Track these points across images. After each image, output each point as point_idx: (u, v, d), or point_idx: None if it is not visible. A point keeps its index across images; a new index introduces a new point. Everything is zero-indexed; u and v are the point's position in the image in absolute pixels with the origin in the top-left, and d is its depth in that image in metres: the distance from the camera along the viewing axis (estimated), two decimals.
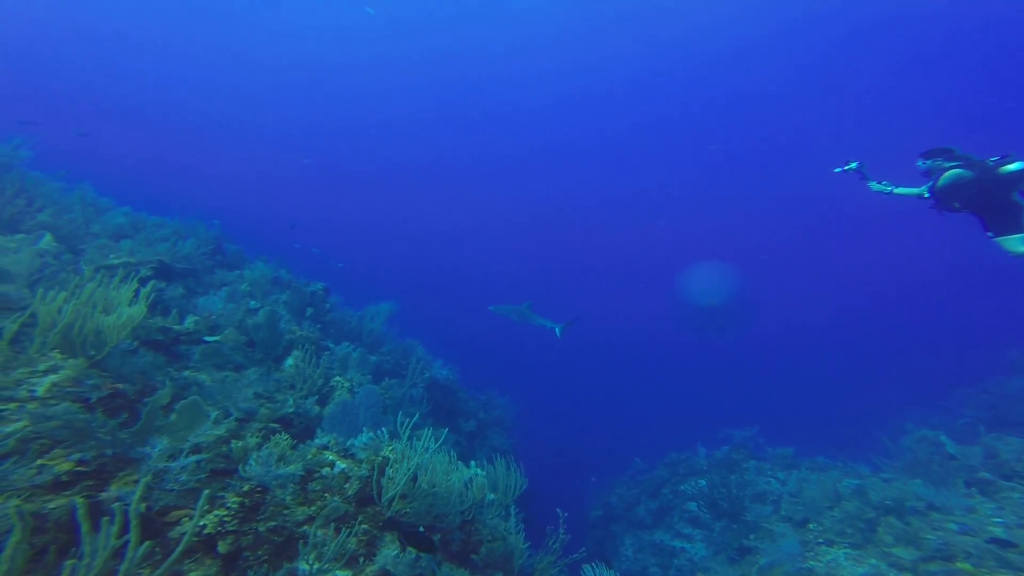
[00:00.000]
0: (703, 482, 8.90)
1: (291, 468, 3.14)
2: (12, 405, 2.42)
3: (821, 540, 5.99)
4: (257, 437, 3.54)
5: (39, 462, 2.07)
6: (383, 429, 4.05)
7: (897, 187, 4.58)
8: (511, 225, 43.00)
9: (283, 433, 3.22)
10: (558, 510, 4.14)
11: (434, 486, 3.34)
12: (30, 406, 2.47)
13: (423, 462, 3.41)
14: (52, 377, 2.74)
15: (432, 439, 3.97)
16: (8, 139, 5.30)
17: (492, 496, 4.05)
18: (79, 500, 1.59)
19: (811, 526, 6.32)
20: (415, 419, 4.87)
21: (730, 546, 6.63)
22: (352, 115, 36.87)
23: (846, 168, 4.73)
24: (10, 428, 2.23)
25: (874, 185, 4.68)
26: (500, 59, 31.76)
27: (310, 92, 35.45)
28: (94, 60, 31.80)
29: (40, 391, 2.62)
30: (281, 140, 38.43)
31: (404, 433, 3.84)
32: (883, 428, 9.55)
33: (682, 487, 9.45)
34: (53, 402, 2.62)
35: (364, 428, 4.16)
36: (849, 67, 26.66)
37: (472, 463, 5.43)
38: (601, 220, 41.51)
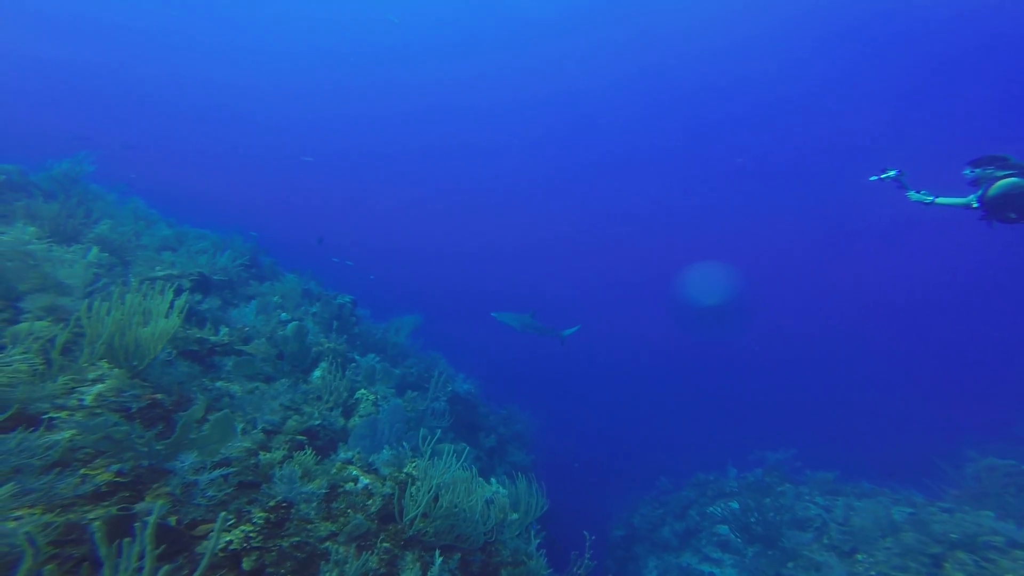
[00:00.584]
0: (734, 504, 8.51)
1: (315, 484, 3.18)
2: (63, 413, 2.54)
3: (874, 573, 5.55)
4: (284, 449, 3.60)
5: (83, 471, 2.15)
6: (405, 444, 4.06)
7: (939, 197, 4.33)
8: (530, 238, 43.30)
9: (308, 448, 3.25)
10: (585, 532, 4.01)
11: (456, 506, 3.30)
12: (78, 415, 2.59)
13: (445, 481, 3.38)
14: (99, 387, 2.87)
15: (454, 457, 3.94)
16: (74, 154, 5.73)
17: (515, 516, 3.96)
18: (96, 523, 1.63)
19: (860, 557, 5.87)
20: (437, 435, 4.85)
21: (765, 574, 6.26)
22: (384, 139, 38.63)
23: (883, 176, 4.51)
24: (59, 437, 2.34)
25: (913, 195, 4.44)
26: (518, 84, 33.07)
27: (348, 118, 37.43)
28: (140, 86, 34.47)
29: (88, 400, 2.75)
30: (320, 161, 40.40)
31: (426, 451, 3.83)
32: (934, 452, 8.89)
33: (710, 509, 9.06)
34: (99, 411, 2.74)
35: (388, 443, 4.18)
36: (855, 72, 26.37)
37: (493, 480, 5.36)
38: (615, 227, 41.51)
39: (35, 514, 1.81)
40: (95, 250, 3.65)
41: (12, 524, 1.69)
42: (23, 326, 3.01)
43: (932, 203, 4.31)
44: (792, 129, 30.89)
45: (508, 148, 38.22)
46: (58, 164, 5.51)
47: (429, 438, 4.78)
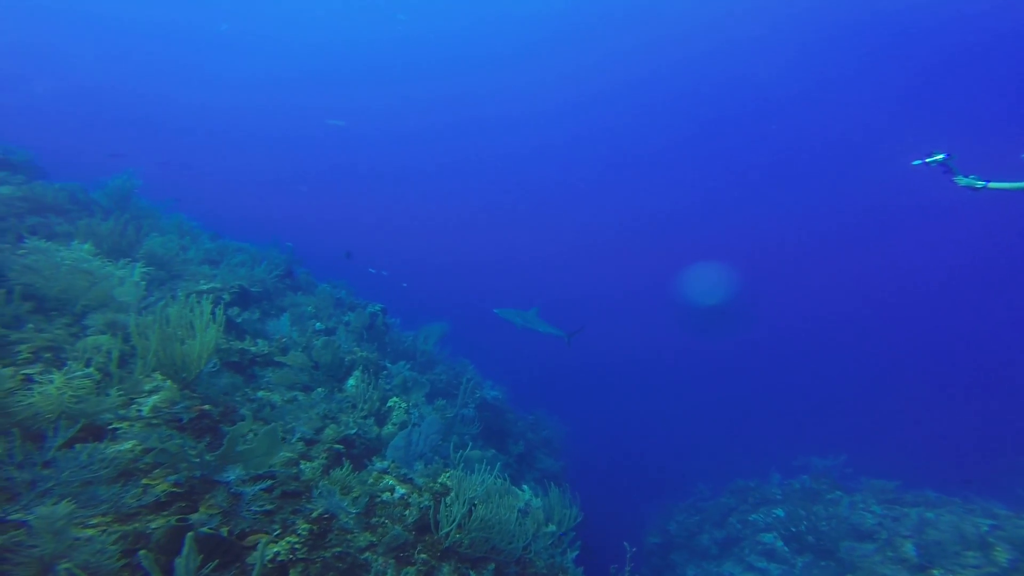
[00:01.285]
0: (779, 512, 8.19)
1: (355, 493, 3.25)
2: (124, 424, 2.69)
3: None
4: (324, 458, 3.70)
5: (144, 481, 2.26)
6: (438, 459, 4.10)
7: (991, 182, 4.06)
8: (546, 243, 43.56)
9: (346, 461, 3.33)
10: (625, 544, 3.93)
11: (490, 519, 3.30)
12: (137, 426, 2.73)
13: (479, 494, 3.39)
14: (154, 398, 3.03)
15: (487, 468, 3.95)
16: (123, 172, 6.09)
17: (551, 528, 3.94)
18: (143, 552, 1.70)
19: (936, 573, 5.47)
20: (469, 447, 4.86)
21: None
22: (409, 152, 39.84)
23: (929, 160, 4.27)
24: (124, 447, 2.47)
25: (962, 180, 4.18)
26: (528, 95, 33.99)
27: (377, 135, 38.88)
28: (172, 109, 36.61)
29: (145, 411, 2.90)
30: (359, 179, 41.98)
31: (459, 462, 3.86)
32: (998, 458, 8.23)
33: (753, 516, 8.75)
34: (156, 422, 2.89)
35: (423, 454, 4.24)
36: (854, 71, 26.55)
37: (525, 488, 5.33)
38: (631, 230, 41.48)
39: (106, 523, 1.91)
40: (139, 268, 3.85)
41: (91, 532, 1.79)
42: (88, 340, 3.21)
43: (984, 188, 4.05)
44: (792, 129, 30.88)
45: (521, 158, 39.06)
46: (112, 181, 5.87)
47: (461, 450, 4.80)
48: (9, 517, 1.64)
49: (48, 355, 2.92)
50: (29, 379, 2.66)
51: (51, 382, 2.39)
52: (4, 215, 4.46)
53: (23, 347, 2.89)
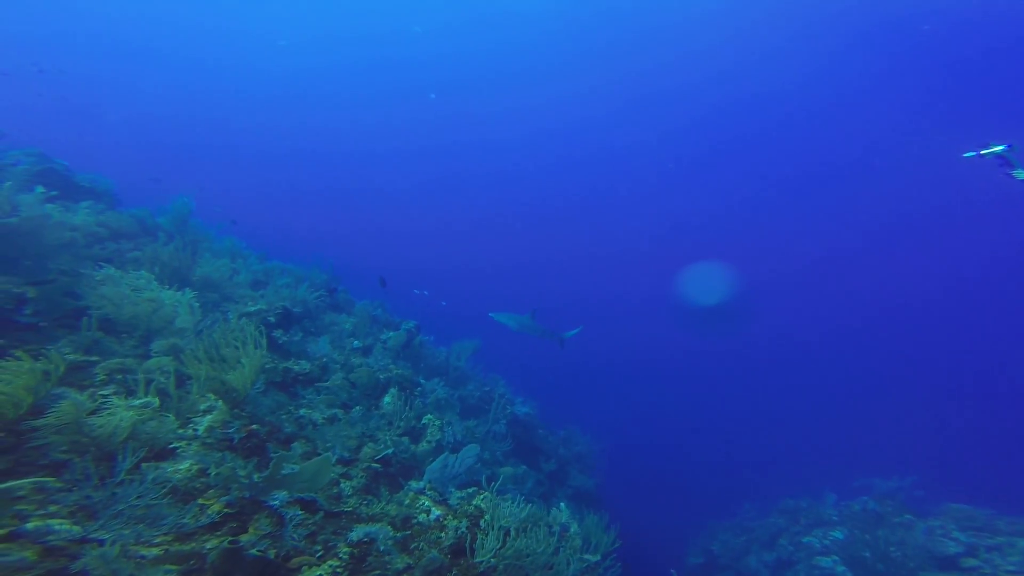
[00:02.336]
0: (837, 534, 7.70)
1: (392, 509, 3.32)
2: (183, 444, 2.87)
3: None
4: (362, 478, 3.80)
5: (200, 501, 2.40)
6: (481, 480, 4.12)
7: None
8: (565, 252, 43.75)
9: (383, 489, 3.39)
10: (672, 572, 3.79)
11: (525, 550, 3.27)
12: (194, 446, 2.91)
13: (514, 523, 3.37)
14: (208, 418, 3.22)
15: (520, 497, 3.93)
16: (183, 195, 6.58)
17: (590, 557, 3.85)
18: None
19: None
20: (500, 466, 4.85)
21: None
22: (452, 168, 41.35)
23: (985, 153, 3.96)
24: (182, 466, 2.64)
25: (1020, 173, 3.86)
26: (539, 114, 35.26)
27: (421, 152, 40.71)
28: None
29: (200, 431, 3.09)
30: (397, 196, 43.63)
31: (491, 484, 3.86)
32: None
33: (807, 539, 8.25)
34: (209, 441, 3.07)
35: (458, 475, 4.28)
36: (854, 68, 26.56)
37: (563, 507, 5.22)
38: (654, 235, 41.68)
39: (168, 542, 2.04)
40: (190, 295, 4.12)
41: (156, 551, 1.92)
42: (151, 362, 3.46)
43: None
44: (794, 133, 31.21)
45: (524, 159, 40.42)
46: (171, 206, 6.36)
47: (493, 466, 4.79)
48: (91, 535, 1.78)
49: (119, 376, 3.17)
50: (104, 400, 2.90)
51: (122, 407, 2.59)
52: (86, 243, 4.91)
53: (99, 369, 3.16)
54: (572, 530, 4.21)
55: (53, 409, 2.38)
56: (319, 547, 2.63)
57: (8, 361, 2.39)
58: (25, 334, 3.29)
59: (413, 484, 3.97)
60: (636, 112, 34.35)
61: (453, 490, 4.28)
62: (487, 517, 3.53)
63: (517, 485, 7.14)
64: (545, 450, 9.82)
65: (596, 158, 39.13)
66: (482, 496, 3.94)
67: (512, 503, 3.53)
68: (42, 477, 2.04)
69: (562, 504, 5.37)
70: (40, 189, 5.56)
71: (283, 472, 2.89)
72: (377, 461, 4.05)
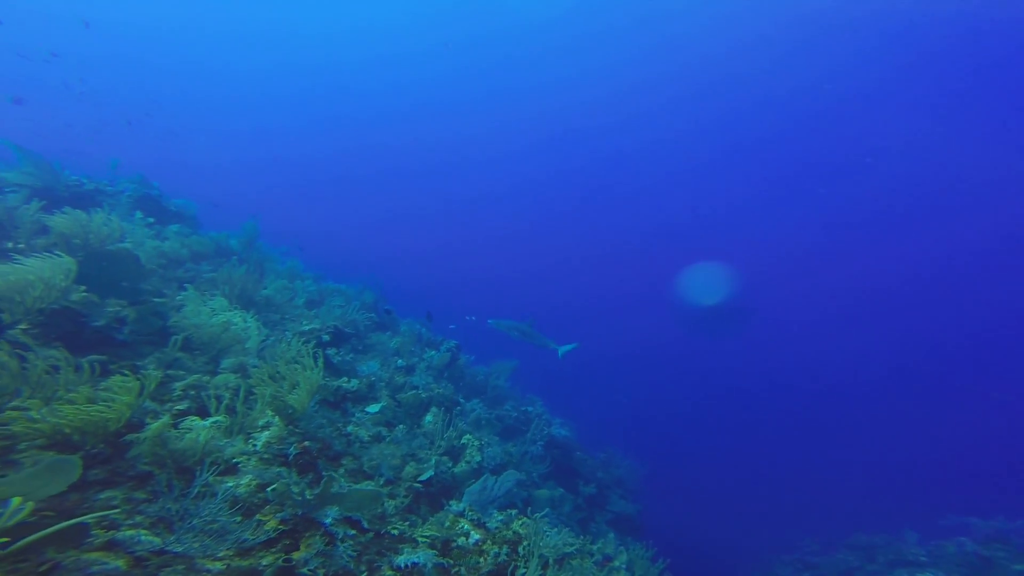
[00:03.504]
0: None
1: (431, 530, 3.40)
2: (243, 459, 3.13)
3: None
4: (404, 497, 3.93)
5: (258, 517, 2.60)
6: (518, 503, 4.14)
7: None
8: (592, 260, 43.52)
9: (424, 508, 3.48)
10: None
11: None
12: (253, 461, 3.16)
13: (553, 554, 3.34)
14: (266, 434, 3.48)
15: (558, 521, 3.89)
16: (251, 218, 7.23)
17: None
18: None
19: None
20: (537, 488, 4.82)
21: None
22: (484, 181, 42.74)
23: None
24: (243, 481, 2.87)
25: None
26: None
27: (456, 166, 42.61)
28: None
29: (259, 446, 3.35)
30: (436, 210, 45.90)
31: (535, 516, 3.85)
32: None
33: None
34: (267, 456, 3.32)
35: (497, 499, 4.32)
36: (856, 68, 26.48)
37: (611, 536, 5.07)
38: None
39: (230, 556, 2.23)
40: (253, 318, 4.48)
41: (219, 565, 2.11)
42: (219, 379, 3.81)
43: None
44: (794, 131, 31.22)
45: (529, 163, 42.22)
46: (242, 230, 7.00)
47: (529, 488, 4.77)
48: (168, 547, 1.99)
49: (192, 392, 3.51)
50: (179, 414, 3.24)
51: (199, 424, 2.88)
52: (172, 265, 5.52)
53: (177, 385, 3.52)
54: (618, 562, 4.09)
55: (147, 425, 2.69)
56: (364, 567, 2.75)
57: (116, 378, 2.73)
58: (120, 351, 3.74)
59: (453, 506, 4.05)
60: (638, 113, 35.26)
61: (492, 512, 4.31)
62: (526, 544, 3.52)
63: (554, 508, 7.04)
64: (584, 473, 9.62)
65: (596, 159, 40.44)
66: (520, 521, 3.94)
67: (551, 529, 3.50)
68: (131, 489, 2.31)
69: (611, 535, 5.24)
70: (139, 215, 6.33)
71: (333, 490, 3.06)
72: (419, 481, 4.18)
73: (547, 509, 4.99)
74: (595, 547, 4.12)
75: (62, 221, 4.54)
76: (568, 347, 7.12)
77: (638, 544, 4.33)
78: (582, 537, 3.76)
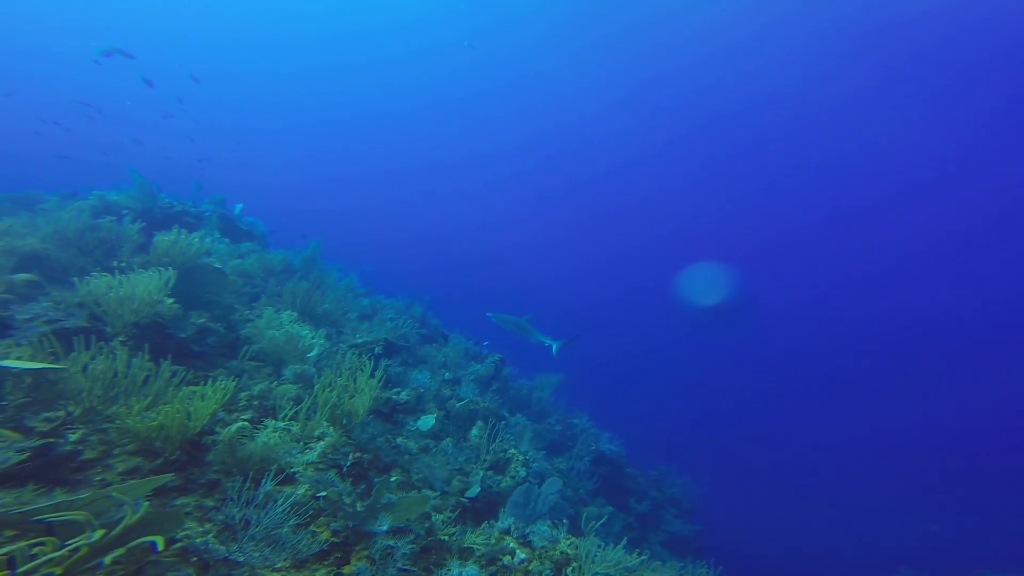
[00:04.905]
0: None
1: (479, 547, 3.39)
2: (301, 467, 3.30)
3: None
4: (451, 512, 3.96)
5: (312, 528, 2.72)
6: (564, 521, 4.04)
7: None
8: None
9: (469, 523, 3.47)
10: None
11: None
12: (310, 471, 3.33)
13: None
14: (321, 444, 3.66)
15: (610, 540, 3.73)
16: (314, 237, 7.76)
17: None
18: None
19: None
20: (585, 506, 4.66)
21: None
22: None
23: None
24: (300, 491, 3.03)
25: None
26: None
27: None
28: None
29: (315, 456, 3.52)
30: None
31: (588, 529, 3.73)
32: None
33: None
34: (322, 467, 3.49)
35: (543, 515, 4.24)
36: (858, 68, 26.77)
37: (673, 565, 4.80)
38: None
39: (286, 567, 2.35)
40: (311, 331, 4.74)
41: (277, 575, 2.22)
42: (280, 389, 4.08)
43: None
44: (794, 129, 31.80)
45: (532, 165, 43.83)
46: (306, 248, 7.53)
47: (576, 505, 4.62)
48: (231, 556, 2.13)
49: (256, 403, 3.78)
50: (244, 423, 3.48)
51: (263, 433, 3.08)
52: (245, 281, 6.03)
53: (243, 395, 3.81)
54: None
55: (221, 432, 2.93)
56: None
57: (201, 387, 2.99)
58: (196, 362, 4.12)
59: (498, 523, 4.02)
60: (643, 113, 35.98)
61: (538, 529, 4.23)
62: (574, 565, 3.41)
63: (603, 527, 6.81)
64: (635, 490, 9.24)
65: (600, 160, 41.60)
66: (568, 541, 3.83)
67: (602, 549, 3.37)
68: (202, 496, 2.51)
69: (671, 564, 4.94)
70: (217, 234, 7.00)
71: (383, 502, 3.15)
72: (465, 497, 4.20)
73: (595, 525, 4.82)
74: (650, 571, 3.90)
75: (159, 240, 5.10)
76: (560, 343, 7.00)
77: (700, 565, 4.06)
78: (638, 554, 3.58)
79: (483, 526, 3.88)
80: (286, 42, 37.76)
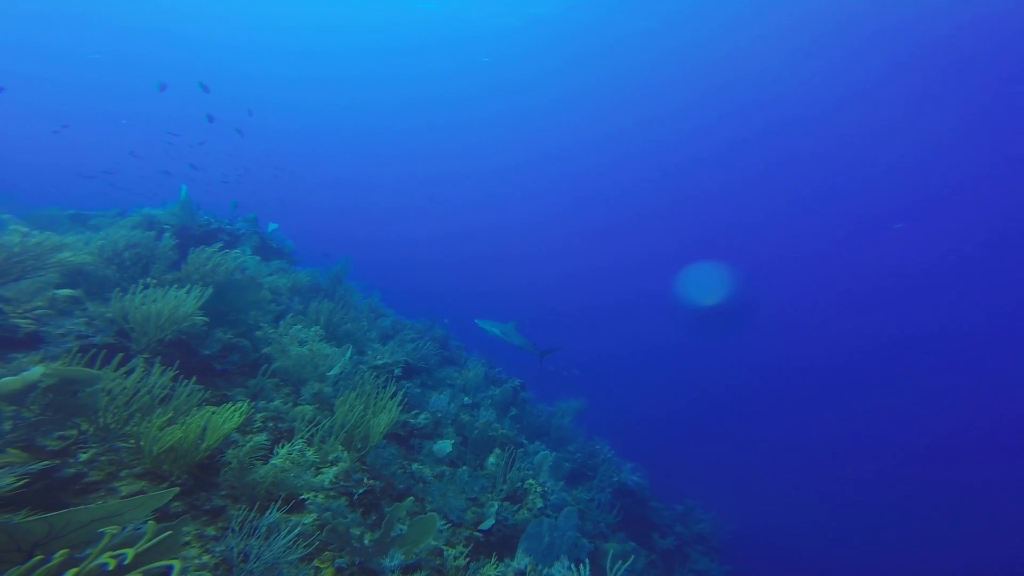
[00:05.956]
0: None
1: None
2: (311, 495, 3.21)
3: None
4: (464, 546, 3.77)
5: (316, 563, 2.60)
6: (586, 561, 3.78)
7: None
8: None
9: (483, 559, 3.29)
10: None
11: None
12: (320, 497, 3.24)
13: None
14: (334, 469, 3.57)
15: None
16: (342, 257, 7.89)
17: None
18: None
19: None
20: (605, 541, 4.35)
21: None
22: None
23: None
24: (308, 519, 2.93)
25: None
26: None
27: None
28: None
29: (327, 481, 3.44)
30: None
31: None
32: None
33: None
34: (333, 494, 3.39)
35: (561, 554, 3.99)
36: (858, 68, 26.65)
37: None
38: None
39: None
40: (333, 349, 4.73)
41: None
42: (297, 410, 4.05)
43: None
44: (795, 129, 31.86)
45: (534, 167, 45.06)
46: (333, 267, 7.65)
47: (596, 539, 4.33)
48: None
49: (271, 424, 3.75)
50: (257, 446, 3.44)
51: (276, 458, 3.03)
52: (271, 298, 6.15)
53: (259, 416, 3.79)
54: None
55: (231, 455, 2.89)
56: None
57: (223, 407, 2.97)
58: (217, 380, 4.15)
59: (513, 563, 3.80)
60: (642, 114, 36.42)
61: (556, 571, 3.97)
62: None
63: (625, 564, 6.42)
64: (660, 525, 8.76)
65: (601, 162, 42.13)
66: None
67: None
68: (204, 524, 2.45)
69: None
70: (249, 251, 7.21)
71: (393, 534, 3.01)
72: (479, 530, 4.01)
73: (621, 567, 4.50)
74: None
75: (192, 258, 5.27)
76: (548, 352, 7.12)
77: None
78: None
79: (498, 566, 3.66)
80: (305, 54, 39.82)
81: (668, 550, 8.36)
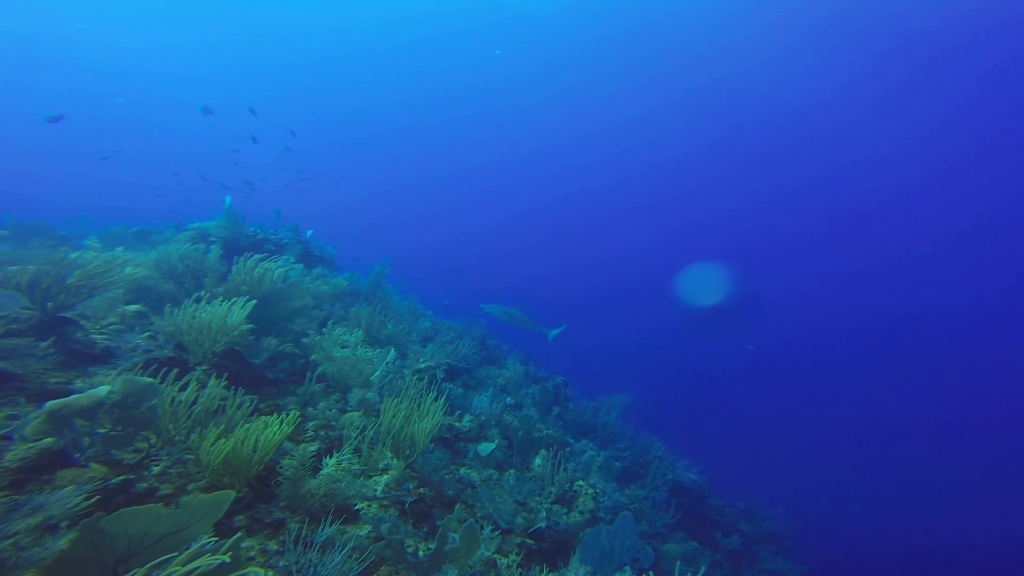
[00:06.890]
0: None
1: None
2: (364, 504, 3.19)
3: None
4: (516, 555, 3.65)
5: None
6: (650, 574, 3.58)
7: None
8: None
9: (535, 568, 3.15)
10: None
11: None
12: (373, 507, 3.21)
13: None
14: (385, 478, 3.55)
15: None
16: (381, 261, 7.99)
17: None
18: None
19: None
20: (664, 542, 4.11)
21: None
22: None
23: None
24: (363, 531, 2.90)
25: None
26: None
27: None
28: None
29: (379, 491, 3.41)
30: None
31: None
32: None
33: None
34: (385, 503, 3.36)
35: (621, 563, 3.80)
36: (859, 68, 26.82)
37: None
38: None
39: None
40: (375, 354, 4.72)
41: None
42: (345, 418, 4.06)
43: None
44: (795, 129, 32.31)
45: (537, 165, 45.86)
46: (371, 272, 7.74)
47: (653, 541, 4.08)
48: None
49: (323, 433, 3.77)
50: (311, 456, 3.47)
51: (328, 467, 3.02)
52: (314, 305, 6.29)
53: (310, 424, 3.83)
54: None
55: (285, 465, 2.90)
56: None
57: (270, 417, 3.00)
58: (270, 389, 4.24)
59: (570, 572, 3.64)
60: (643, 115, 36.63)
61: None
62: None
63: (687, 565, 6.12)
64: (723, 524, 8.35)
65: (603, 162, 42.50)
66: None
67: None
68: (266, 539, 2.44)
69: None
70: (292, 259, 7.41)
71: (447, 548, 2.93)
72: (530, 536, 3.88)
73: (679, 565, 4.24)
74: None
75: (237, 269, 5.44)
76: (557, 331, 7.33)
77: None
78: None
79: None
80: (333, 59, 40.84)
81: (734, 550, 7.96)
